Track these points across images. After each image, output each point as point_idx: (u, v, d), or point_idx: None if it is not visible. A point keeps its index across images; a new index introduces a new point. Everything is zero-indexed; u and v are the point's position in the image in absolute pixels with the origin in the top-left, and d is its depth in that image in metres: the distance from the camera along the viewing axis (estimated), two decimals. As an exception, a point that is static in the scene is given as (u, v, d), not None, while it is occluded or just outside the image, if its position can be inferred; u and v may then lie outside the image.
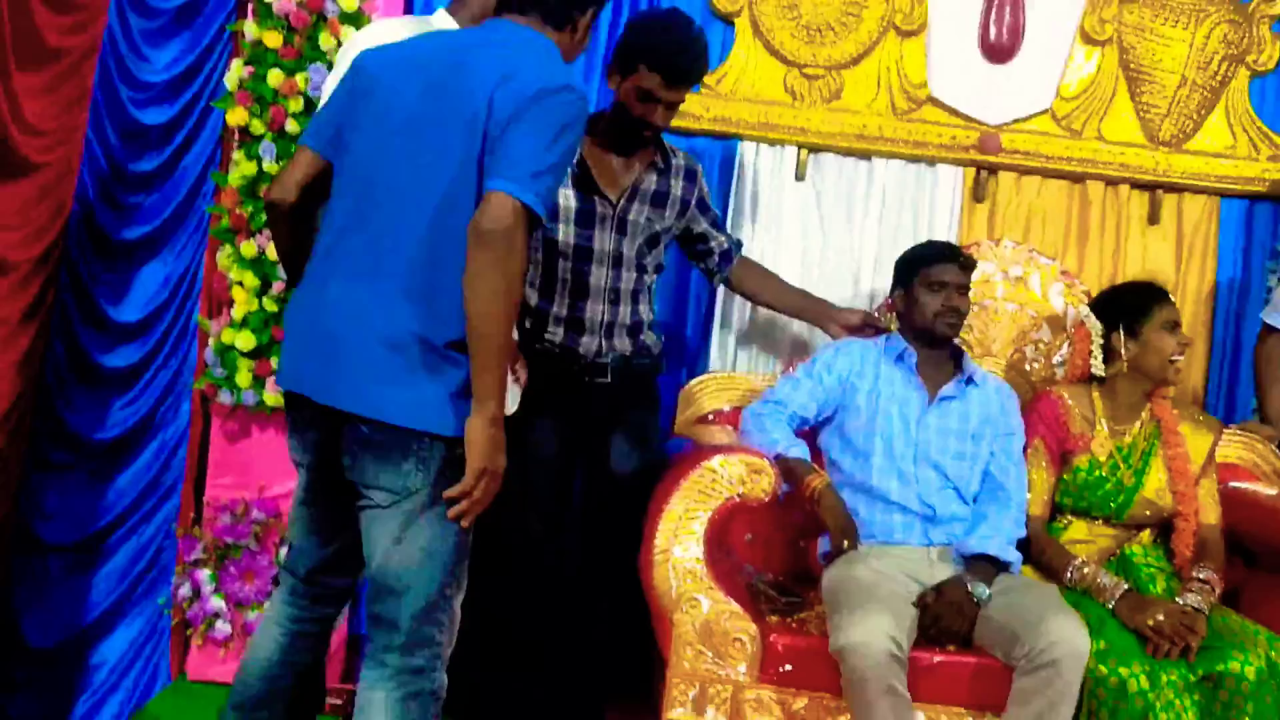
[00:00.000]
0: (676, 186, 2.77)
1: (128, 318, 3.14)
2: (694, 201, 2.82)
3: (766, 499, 2.42)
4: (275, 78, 2.85)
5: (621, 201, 2.67)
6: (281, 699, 2.05)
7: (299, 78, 2.86)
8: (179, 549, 2.95)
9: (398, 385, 1.80)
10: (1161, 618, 2.31)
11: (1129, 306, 2.66)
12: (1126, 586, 2.43)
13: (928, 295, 2.65)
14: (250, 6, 2.92)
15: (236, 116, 2.87)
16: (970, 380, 2.67)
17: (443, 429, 1.81)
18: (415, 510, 1.83)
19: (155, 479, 3.16)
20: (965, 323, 2.97)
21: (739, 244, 2.97)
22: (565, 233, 2.62)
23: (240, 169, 2.88)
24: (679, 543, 2.37)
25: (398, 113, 1.89)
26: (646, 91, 2.53)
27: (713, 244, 2.90)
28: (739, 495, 2.39)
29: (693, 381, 2.98)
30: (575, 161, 2.60)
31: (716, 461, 2.40)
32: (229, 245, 2.90)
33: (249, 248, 2.86)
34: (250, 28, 2.89)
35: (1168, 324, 2.61)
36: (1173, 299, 2.67)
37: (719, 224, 2.94)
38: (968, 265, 2.69)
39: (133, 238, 3.14)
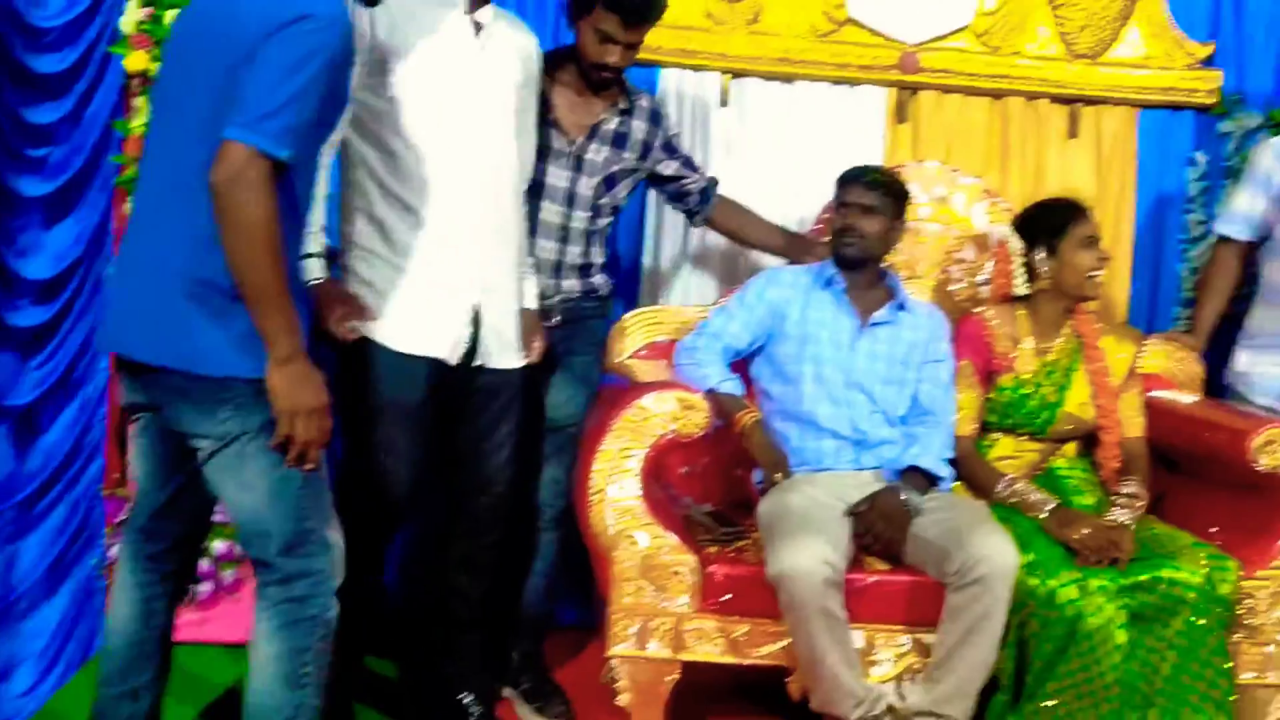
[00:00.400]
0: (639, 128, 2.74)
1: (38, 275, 3.04)
2: (658, 143, 2.79)
3: (700, 434, 2.43)
4: (174, 19, 2.74)
5: (580, 139, 2.65)
6: (150, 663, 2.07)
7: (199, 18, 2.74)
8: (106, 510, 2.89)
9: (199, 333, 1.82)
10: (1088, 532, 2.38)
11: (1047, 224, 2.69)
12: (1056, 502, 2.49)
13: (835, 216, 2.68)
14: (144, -54, 2.80)
15: (135, 61, 2.78)
16: (902, 306, 2.69)
17: (247, 371, 1.83)
18: (247, 454, 1.86)
19: (79, 440, 3.10)
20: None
21: (715, 182, 2.94)
22: None
23: (143, 115, 2.78)
24: (614, 481, 2.38)
25: (174, 65, 1.91)
26: (604, 33, 2.50)
27: (688, 184, 2.87)
28: (673, 432, 2.40)
29: (625, 316, 2.97)
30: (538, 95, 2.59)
31: (649, 399, 2.40)
32: (137, 196, 2.80)
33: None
34: (144, -33, 2.77)
35: (1084, 240, 2.63)
36: (1091, 214, 2.69)
37: (691, 164, 2.91)
38: (874, 185, 2.66)
39: (40, 194, 3.03)
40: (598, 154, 2.67)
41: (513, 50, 2.41)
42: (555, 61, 2.65)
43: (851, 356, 2.63)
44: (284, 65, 1.76)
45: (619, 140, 2.71)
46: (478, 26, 2.32)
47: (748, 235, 2.99)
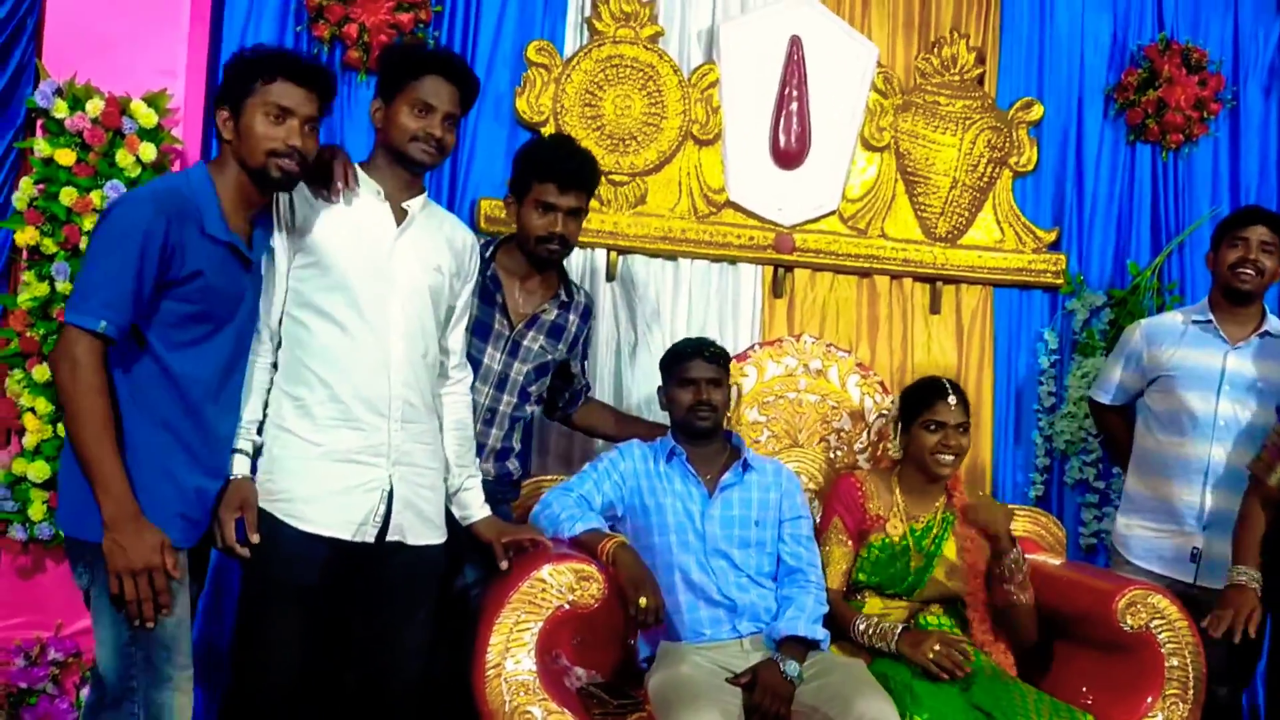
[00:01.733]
0: (573, 323, 2.84)
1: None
2: (581, 340, 2.91)
3: (596, 604, 2.44)
4: (69, 195, 2.76)
5: (520, 325, 2.73)
6: None
7: (94, 195, 2.77)
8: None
9: (65, 496, 2.05)
10: (939, 649, 2.48)
11: (908, 403, 2.86)
12: (903, 625, 2.60)
13: (681, 391, 2.76)
14: (40, 123, 2.83)
15: (26, 236, 2.76)
16: (747, 465, 2.78)
17: (89, 534, 1.96)
18: (94, 609, 2.03)
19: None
20: (774, 414, 3.13)
21: (589, 387, 3.06)
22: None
23: (31, 290, 2.76)
24: (510, 655, 2.36)
25: None
26: (545, 204, 2.63)
27: (575, 384, 2.98)
28: (569, 603, 2.41)
29: (526, 483, 2.96)
30: (488, 276, 2.67)
31: (546, 571, 2.41)
32: (19, 370, 2.76)
33: (41, 372, 2.73)
34: (40, 145, 2.79)
35: (928, 423, 2.78)
36: (948, 399, 2.78)
37: (585, 367, 3.02)
38: (715, 358, 2.78)
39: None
40: (534, 342, 2.76)
41: (441, 238, 2.45)
42: (504, 250, 2.76)
43: (706, 524, 2.69)
44: (96, 249, 1.98)
45: (555, 331, 2.80)
46: (402, 212, 2.37)
47: (597, 428, 3.09)
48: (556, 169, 2.65)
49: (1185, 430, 2.98)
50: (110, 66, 2.87)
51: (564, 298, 2.82)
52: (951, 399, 2.78)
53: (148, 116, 2.83)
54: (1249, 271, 2.96)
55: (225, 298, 2.10)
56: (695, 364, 2.75)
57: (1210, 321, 3.03)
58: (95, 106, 2.81)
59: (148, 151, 2.80)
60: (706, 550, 2.67)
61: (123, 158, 2.78)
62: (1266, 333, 3.00)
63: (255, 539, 2.15)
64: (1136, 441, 3.16)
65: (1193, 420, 2.97)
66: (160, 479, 2.02)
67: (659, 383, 3.35)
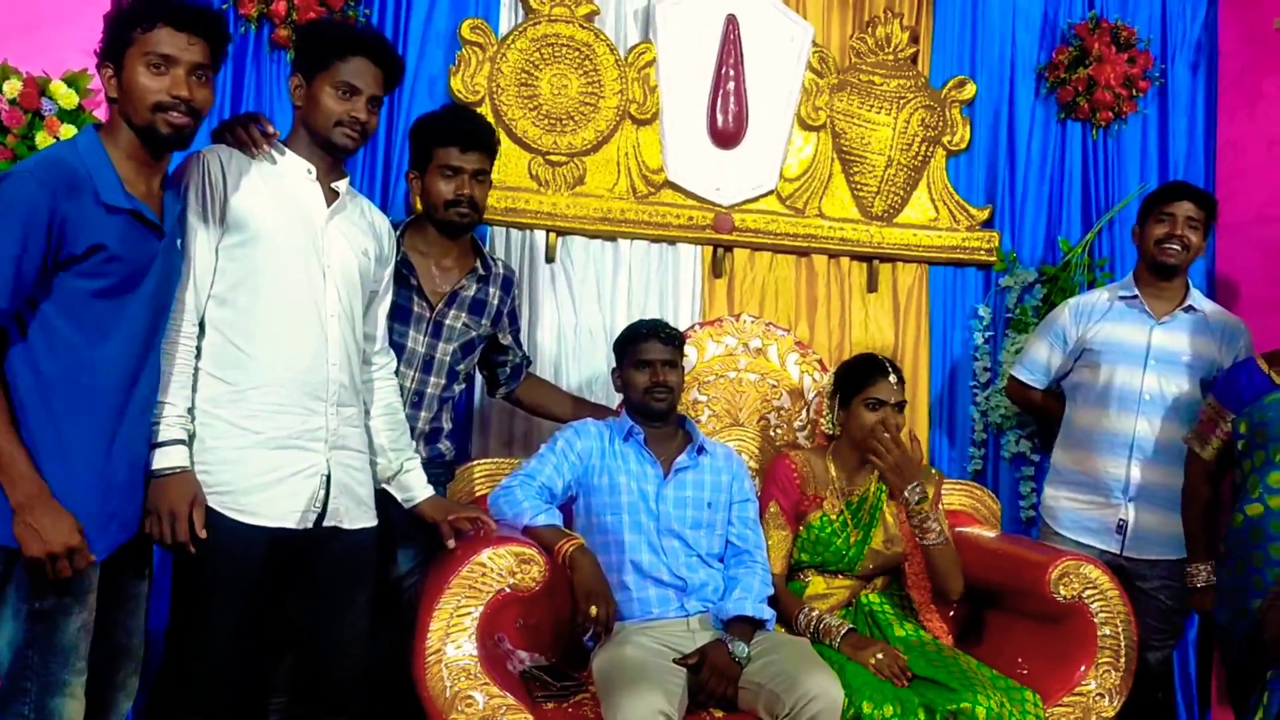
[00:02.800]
0: (494, 295, 2.81)
1: None
2: (506, 311, 2.87)
3: (537, 587, 2.44)
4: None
5: (440, 305, 2.70)
6: None
7: (14, 178, 2.68)
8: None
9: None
10: (880, 656, 2.51)
11: (845, 380, 2.89)
12: (849, 627, 2.63)
13: (636, 373, 2.77)
14: (-45, 105, 2.73)
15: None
16: (701, 449, 2.80)
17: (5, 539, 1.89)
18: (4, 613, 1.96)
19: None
20: (715, 394, 3.14)
21: (529, 360, 3.03)
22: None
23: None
24: (451, 641, 2.35)
25: None
26: (450, 168, 2.63)
27: (511, 357, 2.95)
28: (510, 587, 2.40)
29: (461, 467, 2.98)
30: (399, 261, 2.62)
31: (486, 555, 2.40)
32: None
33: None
34: (-44, 127, 2.69)
35: (868, 401, 2.81)
36: (887, 377, 2.82)
37: (519, 339, 2.99)
38: (670, 340, 2.80)
39: None
40: (456, 320, 2.73)
41: (365, 223, 2.43)
42: (412, 230, 2.73)
43: (660, 504, 2.71)
44: None
45: (476, 307, 2.78)
46: (333, 194, 2.33)
47: (547, 408, 3.06)
48: (456, 131, 2.65)
49: (1111, 405, 3.04)
50: (30, 46, 2.78)
51: (481, 271, 2.79)
52: (891, 377, 2.81)
53: (68, 97, 2.75)
54: (1175, 246, 3.02)
55: (134, 269, 1.98)
56: (651, 345, 2.75)
57: (1136, 297, 3.09)
58: (13, 87, 2.72)
59: (68, 134, 2.71)
60: (659, 530, 2.68)
61: (42, 140, 2.70)
62: (1191, 307, 3.07)
63: (203, 535, 2.11)
64: (1066, 416, 3.22)
65: (1119, 395, 3.03)
66: (84, 476, 1.95)
67: (599, 365, 3.41)
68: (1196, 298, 3.10)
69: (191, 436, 2.16)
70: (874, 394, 2.80)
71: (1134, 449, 3.01)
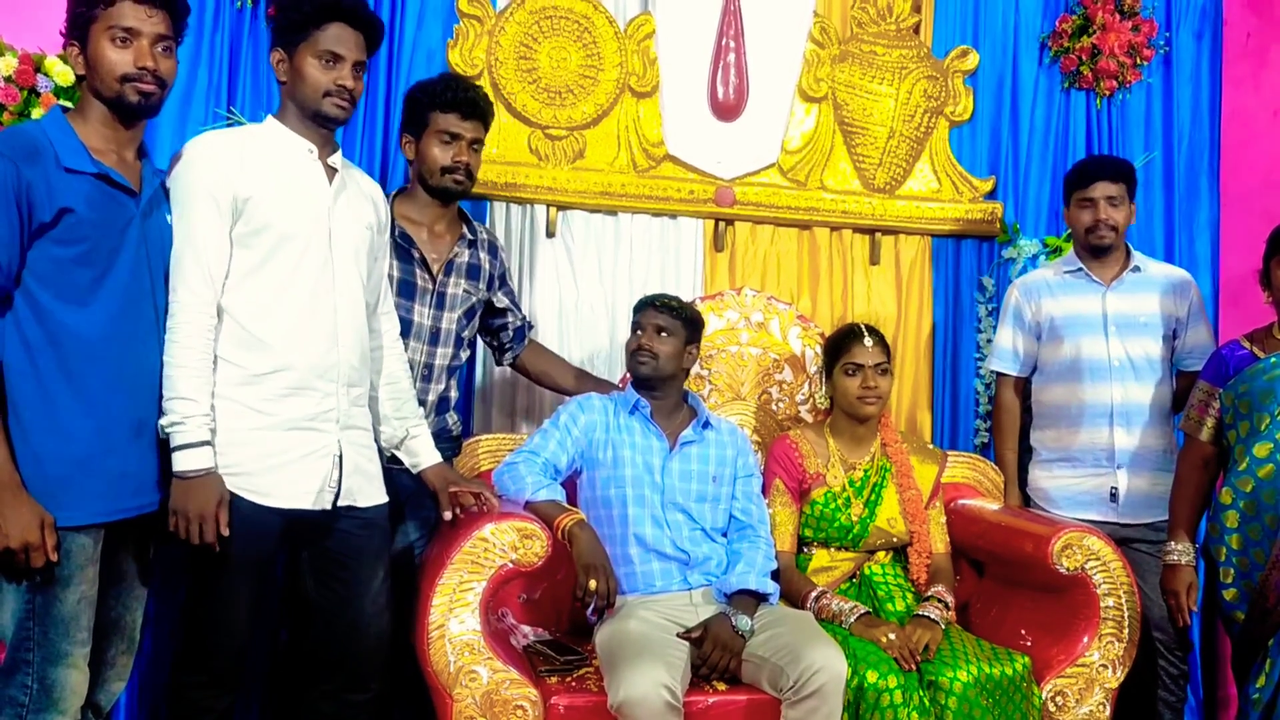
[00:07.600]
0: (486, 260, 2.82)
1: None
2: (497, 275, 2.87)
3: (540, 563, 2.44)
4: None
5: (440, 275, 2.70)
6: None
7: (11, 156, 2.67)
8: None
9: None
10: (893, 637, 2.51)
11: (829, 351, 2.91)
12: (863, 610, 2.62)
13: (630, 338, 2.78)
14: (-49, 82, 2.72)
15: None
16: (707, 424, 2.80)
17: None
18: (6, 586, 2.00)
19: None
20: (717, 368, 3.13)
21: (530, 324, 3.02)
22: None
23: None
24: (454, 616, 2.36)
25: None
26: (448, 134, 2.64)
27: (510, 319, 2.94)
28: (512, 562, 2.40)
29: (466, 442, 2.98)
30: (397, 234, 2.62)
31: (488, 530, 2.40)
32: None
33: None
34: (-49, 104, 2.68)
35: (847, 366, 2.83)
36: (864, 340, 2.83)
37: (515, 300, 2.98)
38: (666, 308, 2.77)
39: None
40: (456, 288, 2.74)
41: (364, 195, 2.43)
42: (401, 199, 2.72)
43: (666, 477, 2.71)
44: None
45: (472, 272, 2.78)
46: (331, 171, 2.32)
47: (552, 378, 3.05)
48: (457, 98, 2.66)
49: (1084, 377, 3.04)
50: (25, 22, 2.77)
51: (469, 236, 2.80)
52: (868, 340, 2.82)
53: (64, 74, 2.73)
54: (1102, 232, 3.03)
55: (107, 233, 2.01)
56: (646, 312, 2.78)
57: (1080, 269, 3.10)
58: (8, 64, 2.71)
59: (65, 110, 2.70)
60: (664, 503, 2.68)
61: (38, 116, 2.68)
62: (1136, 268, 3.08)
63: (227, 534, 2.12)
64: (1036, 398, 3.20)
65: (1089, 367, 3.04)
66: (78, 438, 1.97)
67: (600, 340, 3.41)
68: (1139, 258, 3.11)
69: (213, 434, 2.15)
70: (851, 359, 2.82)
71: (1114, 416, 3.01)
